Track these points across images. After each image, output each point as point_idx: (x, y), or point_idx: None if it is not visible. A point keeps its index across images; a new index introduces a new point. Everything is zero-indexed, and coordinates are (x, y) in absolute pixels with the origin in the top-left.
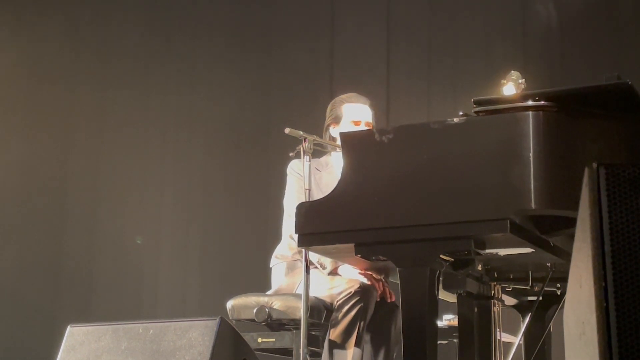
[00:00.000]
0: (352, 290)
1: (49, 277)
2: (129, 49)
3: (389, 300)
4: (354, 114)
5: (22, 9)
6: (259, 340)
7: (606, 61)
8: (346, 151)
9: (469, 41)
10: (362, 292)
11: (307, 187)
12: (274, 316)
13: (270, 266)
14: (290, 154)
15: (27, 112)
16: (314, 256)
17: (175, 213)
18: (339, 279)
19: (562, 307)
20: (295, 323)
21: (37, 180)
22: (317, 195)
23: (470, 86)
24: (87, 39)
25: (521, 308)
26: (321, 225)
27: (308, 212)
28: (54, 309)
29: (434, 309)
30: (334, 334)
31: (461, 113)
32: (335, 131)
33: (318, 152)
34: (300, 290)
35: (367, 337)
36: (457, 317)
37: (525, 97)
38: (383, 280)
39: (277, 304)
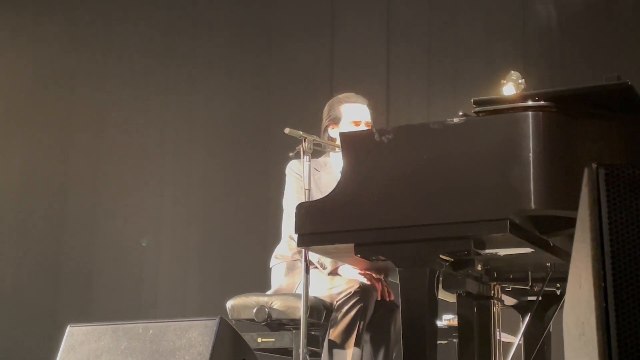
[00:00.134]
0: (352, 290)
1: (49, 277)
2: (128, 49)
3: (387, 299)
4: (354, 114)
5: (22, 9)
6: (259, 340)
7: (606, 61)
8: (346, 151)
9: (469, 41)
10: (362, 292)
11: (306, 187)
12: (274, 316)
13: (270, 266)
14: (290, 154)
15: (28, 112)
16: (314, 256)
17: (175, 213)
18: (338, 279)
19: (562, 307)
20: (295, 323)
21: (37, 180)
22: (317, 195)
23: (470, 86)
24: (87, 39)
25: (521, 308)
26: (321, 225)
27: (308, 212)
28: (54, 309)
29: (434, 309)
30: (334, 334)
31: (461, 113)
32: (334, 132)
33: (316, 152)
34: (300, 290)
35: (366, 337)
36: (456, 317)
37: (525, 98)
38: (382, 279)
39: (276, 304)
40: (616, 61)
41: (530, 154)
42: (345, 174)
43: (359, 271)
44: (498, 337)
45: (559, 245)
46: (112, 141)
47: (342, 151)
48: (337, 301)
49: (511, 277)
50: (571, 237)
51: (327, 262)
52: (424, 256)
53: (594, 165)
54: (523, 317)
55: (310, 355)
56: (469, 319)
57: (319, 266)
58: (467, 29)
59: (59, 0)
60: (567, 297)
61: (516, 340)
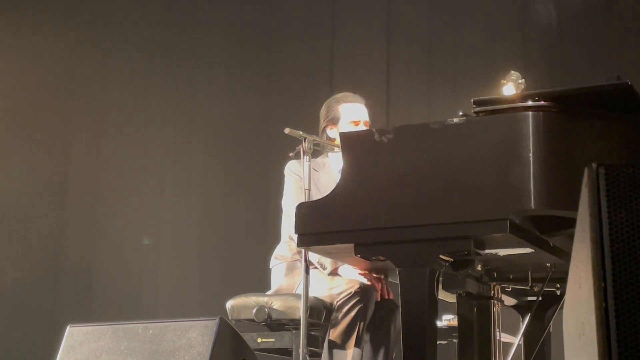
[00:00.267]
0: (352, 290)
1: (49, 277)
2: (129, 49)
3: (387, 297)
4: (352, 114)
5: (22, 10)
6: (259, 340)
7: (606, 61)
8: (346, 151)
9: (469, 41)
10: (362, 293)
11: (306, 187)
12: (274, 316)
13: (270, 267)
14: (290, 154)
15: (28, 112)
16: (314, 256)
17: (175, 213)
18: (338, 279)
19: (562, 307)
20: (295, 323)
21: (38, 180)
22: (316, 195)
23: (470, 86)
24: (87, 39)
25: (521, 308)
26: (321, 225)
27: (308, 212)
28: (54, 309)
29: (434, 309)
30: (334, 334)
31: (461, 113)
32: (332, 132)
33: (314, 152)
34: (300, 290)
35: (366, 337)
36: (456, 317)
37: (525, 97)
38: (381, 278)
39: (276, 304)
40: (616, 61)
41: (530, 154)
42: (345, 174)
43: (359, 271)
44: (498, 337)
45: (559, 245)
46: (112, 141)
47: (342, 151)
48: (337, 301)
49: (511, 277)
50: (571, 237)
51: (327, 262)
52: (424, 256)
53: (594, 165)
54: (523, 317)
55: (310, 356)
56: (469, 319)
57: (318, 266)
58: (467, 29)
59: (59, 1)
60: (567, 297)
61: (516, 340)
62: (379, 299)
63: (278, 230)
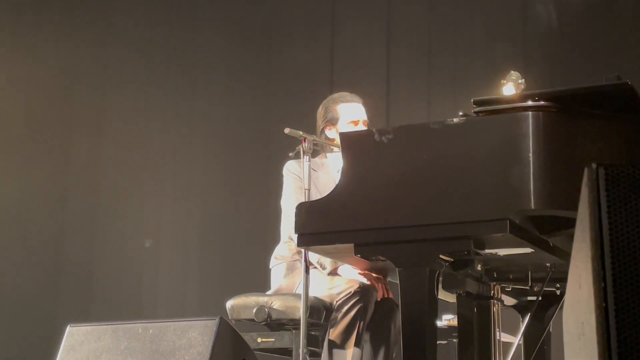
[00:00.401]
0: (352, 290)
1: (49, 277)
2: (128, 49)
3: (386, 296)
4: (351, 114)
5: (22, 10)
6: (259, 340)
7: (606, 61)
8: (346, 151)
9: (469, 41)
10: (362, 292)
11: (306, 187)
12: (274, 316)
13: (270, 267)
14: (290, 154)
15: (28, 113)
16: (313, 257)
17: (175, 213)
18: (338, 279)
19: (562, 307)
20: (295, 323)
21: (38, 180)
22: (315, 195)
23: (470, 86)
24: (87, 39)
25: (521, 308)
26: (321, 225)
27: (308, 212)
28: (54, 309)
29: (434, 309)
30: (334, 334)
31: (461, 113)
32: (331, 133)
33: (313, 152)
34: (300, 290)
35: (366, 337)
36: (456, 317)
37: (525, 97)
38: (381, 278)
39: (276, 304)
40: (616, 61)
41: (530, 154)
42: (345, 174)
43: (359, 271)
44: (498, 337)
45: (559, 245)
46: (112, 141)
47: (342, 151)
48: (337, 301)
49: (511, 277)
50: (571, 237)
51: (327, 262)
52: (424, 256)
53: (593, 165)
54: (523, 317)
55: (310, 355)
56: (469, 319)
57: (318, 266)
58: (467, 29)
59: (58, 1)
60: (567, 297)
61: (516, 340)
62: (379, 299)
63: (278, 230)
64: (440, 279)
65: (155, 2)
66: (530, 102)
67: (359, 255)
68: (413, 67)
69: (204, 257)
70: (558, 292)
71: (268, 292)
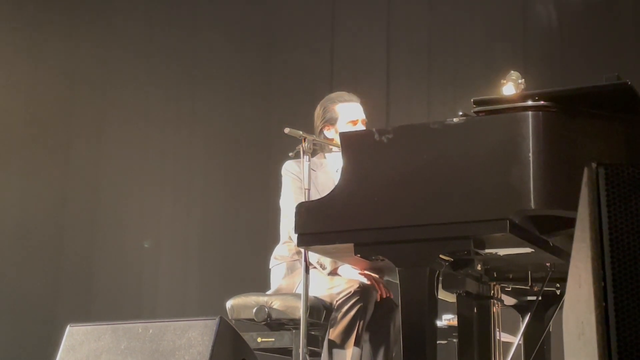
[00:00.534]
0: (352, 290)
1: (49, 277)
2: (128, 49)
3: (385, 296)
4: (350, 113)
5: (22, 9)
6: (259, 340)
7: (606, 61)
8: (346, 151)
9: (469, 41)
10: (362, 292)
11: (306, 187)
12: (274, 316)
13: (270, 267)
14: (290, 154)
15: (28, 113)
16: (313, 257)
17: (175, 213)
18: (338, 278)
19: (562, 307)
20: (295, 323)
21: (38, 181)
22: (314, 195)
23: (470, 86)
24: (88, 40)
25: (521, 308)
26: (321, 225)
27: (307, 212)
28: (54, 309)
29: (434, 308)
30: (334, 333)
31: (461, 113)
32: (330, 133)
33: (312, 152)
34: (300, 290)
35: (366, 337)
36: (456, 317)
37: (524, 97)
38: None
39: (276, 303)
40: (616, 61)
41: (530, 154)
42: (345, 173)
43: (359, 271)
44: (498, 337)
45: (559, 245)
46: (113, 141)
47: (342, 151)
48: (336, 301)
49: (511, 277)
50: (571, 237)
51: (327, 262)
52: (423, 256)
53: (593, 165)
54: (523, 317)
55: (310, 355)
56: (469, 319)
57: (318, 266)
58: (467, 29)
59: (59, 1)
60: (567, 297)
61: (516, 340)
62: (378, 300)
63: (278, 230)
64: (440, 278)
65: (155, 2)
66: (530, 102)
67: (358, 255)
68: (413, 67)
69: (204, 257)
70: (558, 292)
71: (268, 292)
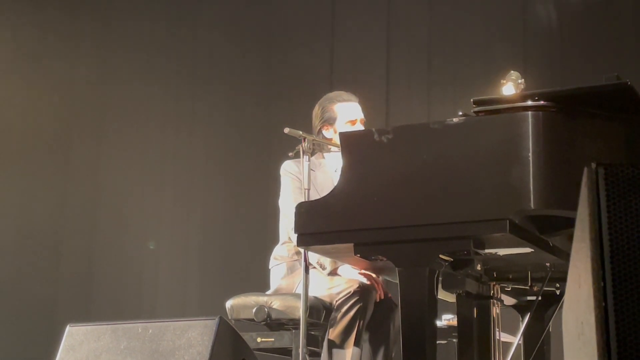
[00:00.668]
0: (352, 290)
1: (49, 277)
2: (128, 49)
3: (383, 297)
4: (349, 113)
5: (22, 10)
6: (258, 340)
7: (606, 61)
8: (346, 151)
9: (469, 41)
10: (362, 292)
11: (306, 187)
12: (273, 316)
13: (270, 267)
14: (290, 154)
15: (27, 113)
16: (313, 257)
17: (175, 213)
18: (338, 278)
19: (562, 307)
20: (295, 323)
21: (37, 180)
22: (313, 195)
23: (470, 86)
24: (87, 39)
25: (520, 308)
26: (320, 225)
27: (307, 212)
28: (54, 309)
29: (433, 308)
30: (333, 333)
31: (460, 113)
32: (328, 133)
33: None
34: (300, 290)
35: (366, 337)
36: (456, 317)
37: (524, 97)
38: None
39: (276, 303)
40: (616, 61)
41: (530, 154)
42: (344, 173)
43: (359, 271)
44: (498, 337)
45: (559, 245)
46: (113, 142)
47: (342, 151)
48: (336, 301)
49: (511, 277)
50: (571, 237)
51: (327, 262)
52: (423, 256)
53: (593, 165)
54: (523, 317)
55: (309, 355)
56: (469, 319)
57: (318, 267)
58: (467, 29)
59: (58, 1)
60: (567, 297)
61: (516, 340)
62: (378, 300)
63: (277, 230)
64: (440, 278)
65: (156, 2)
66: (530, 102)
67: (358, 255)
68: (413, 67)
69: (204, 257)
70: (558, 292)
71: (268, 292)
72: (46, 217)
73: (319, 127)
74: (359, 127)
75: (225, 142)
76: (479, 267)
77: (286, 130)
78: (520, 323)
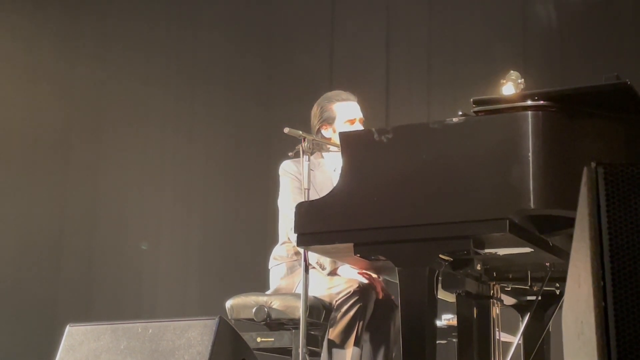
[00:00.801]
0: (351, 290)
1: (49, 277)
2: (128, 49)
3: (382, 296)
4: (348, 112)
5: (22, 10)
6: (258, 339)
7: (606, 61)
8: (345, 151)
9: (468, 42)
10: (361, 292)
11: (306, 187)
12: (273, 316)
13: (269, 267)
14: (290, 154)
15: (26, 113)
16: (312, 258)
17: (174, 213)
18: (338, 278)
19: (561, 306)
20: (294, 323)
21: (37, 180)
22: (312, 194)
23: (470, 86)
24: (86, 39)
25: (520, 308)
26: (320, 225)
27: (307, 212)
28: (54, 309)
29: (433, 308)
30: (333, 333)
31: (460, 113)
32: (327, 132)
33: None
34: (299, 290)
35: (366, 337)
36: (456, 316)
37: (524, 97)
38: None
39: (276, 303)
40: (616, 61)
41: (530, 154)
42: (344, 173)
43: (358, 271)
44: (497, 337)
45: (559, 244)
46: (112, 142)
47: (342, 151)
48: (336, 301)
49: (510, 276)
50: (570, 237)
51: (326, 262)
52: (423, 256)
53: (593, 164)
54: (522, 316)
55: (309, 355)
56: (469, 319)
57: (317, 267)
58: (467, 29)
59: (58, 1)
60: (566, 297)
61: (515, 339)
62: (379, 297)
63: (277, 230)
64: (440, 278)
65: (155, 2)
66: (529, 102)
67: (358, 255)
68: (413, 67)
69: (204, 257)
70: (557, 292)
71: (267, 292)
72: (46, 216)
73: (317, 127)
74: (358, 126)
75: (225, 142)
76: (478, 267)
77: (286, 130)
78: (520, 323)
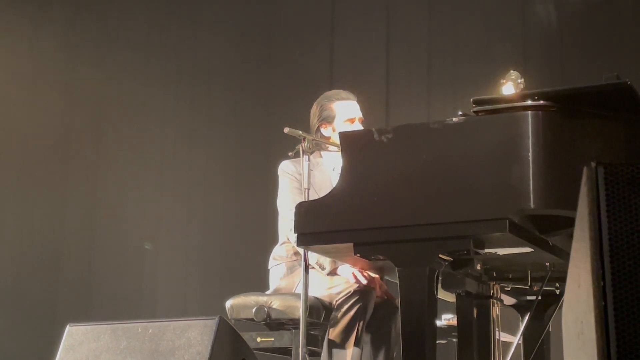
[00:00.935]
0: (352, 289)
1: (49, 277)
2: (128, 49)
3: (379, 295)
4: (347, 112)
5: (21, 10)
6: (258, 339)
7: (606, 61)
8: (345, 151)
9: (468, 42)
10: (362, 292)
11: (306, 186)
12: (273, 316)
13: (269, 268)
14: (290, 154)
15: (25, 113)
16: (312, 258)
17: (174, 213)
18: (338, 278)
19: (561, 306)
20: (295, 322)
21: (37, 180)
22: (312, 194)
23: (470, 86)
24: (86, 39)
25: (520, 308)
26: (320, 225)
27: (307, 212)
28: (54, 309)
29: (433, 308)
30: (333, 333)
31: (460, 113)
32: (327, 131)
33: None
34: (300, 289)
35: (366, 337)
36: (456, 316)
37: (524, 97)
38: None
39: (276, 303)
40: (616, 61)
41: (530, 154)
42: (344, 173)
43: (353, 271)
44: (497, 337)
45: (559, 244)
46: (112, 142)
47: (342, 150)
48: (336, 301)
49: (510, 276)
50: (570, 237)
51: (326, 262)
52: (423, 256)
53: (593, 164)
54: (522, 316)
55: (309, 355)
56: (469, 319)
57: (317, 267)
58: (467, 29)
59: (58, 1)
60: (566, 297)
61: (515, 339)
62: (379, 295)
63: (277, 230)
64: (440, 278)
65: (155, 2)
66: (529, 102)
67: (358, 255)
68: (413, 67)
69: (204, 257)
70: (557, 292)
71: (267, 292)
72: (46, 217)
73: (317, 125)
74: (358, 125)
75: (225, 142)
76: (478, 267)
77: (286, 130)
78: (520, 323)
